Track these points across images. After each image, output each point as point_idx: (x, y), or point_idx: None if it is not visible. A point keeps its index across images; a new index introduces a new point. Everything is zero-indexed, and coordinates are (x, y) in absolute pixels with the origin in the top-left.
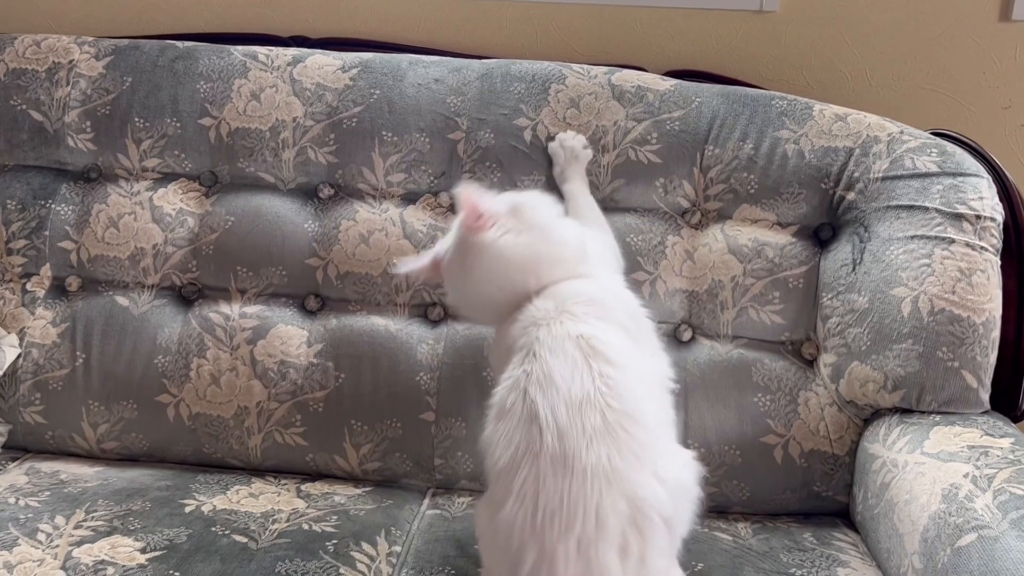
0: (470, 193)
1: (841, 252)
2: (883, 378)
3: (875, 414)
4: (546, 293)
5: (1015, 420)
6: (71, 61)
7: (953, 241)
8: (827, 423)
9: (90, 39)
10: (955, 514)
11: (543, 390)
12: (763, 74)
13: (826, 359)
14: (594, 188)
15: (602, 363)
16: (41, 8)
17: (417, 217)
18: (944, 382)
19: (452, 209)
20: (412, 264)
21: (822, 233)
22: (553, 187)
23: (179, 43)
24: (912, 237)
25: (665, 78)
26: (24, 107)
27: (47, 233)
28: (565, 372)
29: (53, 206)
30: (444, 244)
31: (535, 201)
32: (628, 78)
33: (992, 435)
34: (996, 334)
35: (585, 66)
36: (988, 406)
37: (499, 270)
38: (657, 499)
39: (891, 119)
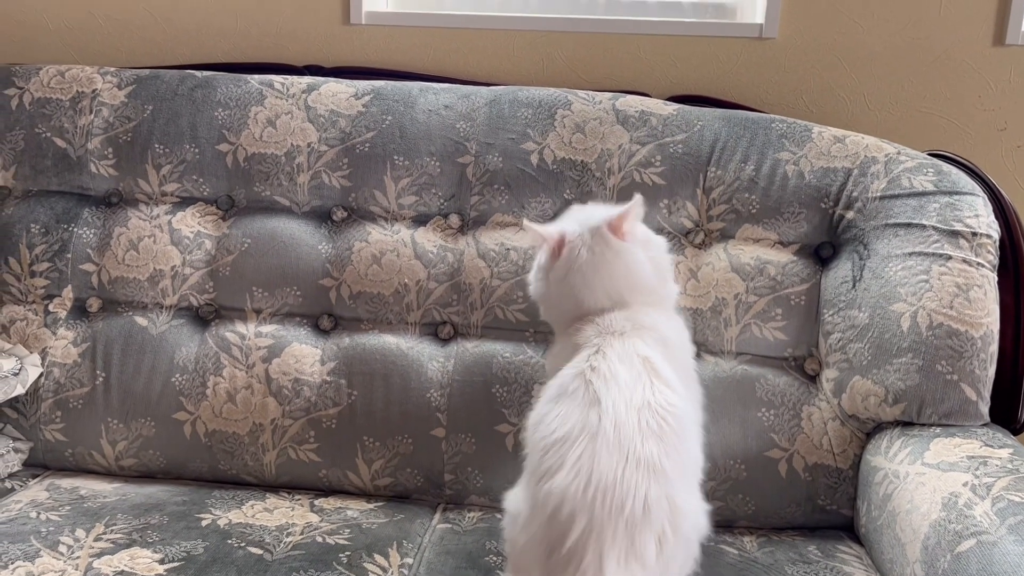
0: (636, 205)
1: (841, 269)
2: (884, 392)
3: (877, 427)
4: (630, 310)
5: (1014, 432)
6: (94, 90)
7: (950, 257)
8: (830, 437)
9: (112, 69)
10: (955, 521)
11: (607, 384)
12: (763, 98)
13: (828, 374)
14: None
15: (662, 385)
16: (66, 41)
17: (427, 238)
18: (944, 395)
19: (461, 230)
20: (541, 229)
21: (823, 251)
22: (557, 211)
23: (198, 72)
24: (910, 254)
25: (668, 103)
26: (48, 135)
27: (69, 256)
28: (629, 378)
29: (75, 230)
30: (571, 228)
31: (661, 242)
32: (632, 103)
33: (991, 446)
34: (994, 348)
35: (590, 92)
36: (988, 418)
37: (618, 273)
38: (689, 512)
39: (888, 140)
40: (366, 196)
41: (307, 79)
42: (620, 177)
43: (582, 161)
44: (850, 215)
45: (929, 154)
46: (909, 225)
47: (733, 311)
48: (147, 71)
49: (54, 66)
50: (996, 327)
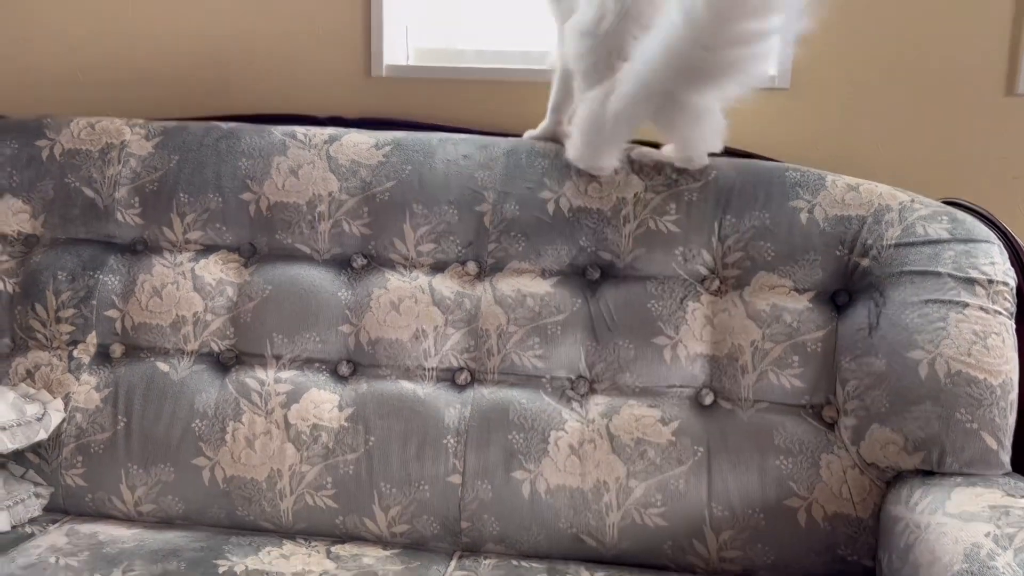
0: None
1: (858, 317)
2: (903, 440)
3: (897, 476)
4: None
5: None
6: (123, 142)
7: (967, 305)
8: (849, 486)
9: (141, 121)
10: (977, 573)
11: None
12: (776, 148)
13: (846, 422)
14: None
15: None
16: (96, 94)
17: (445, 285)
18: (964, 444)
19: (479, 276)
20: None
21: (839, 299)
22: (581, 264)
23: (223, 124)
24: (927, 301)
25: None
26: (78, 184)
27: (94, 302)
28: None
29: (101, 276)
30: None
31: None
32: (647, 153)
33: (1013, 495)
34: (1014, 396)
35: None
36: (1009, 467)
37: None
38: None
39: (902, 189)
40: (385, 244)
41: (329, 130)
42: (636, 225)
43: (598, 209)
44: (865, 263)
45: (943, 202)
46: (925, 273)
47: (750, 358)
48: (174, 123)
49: (84, 118)
50: (1015, 375)
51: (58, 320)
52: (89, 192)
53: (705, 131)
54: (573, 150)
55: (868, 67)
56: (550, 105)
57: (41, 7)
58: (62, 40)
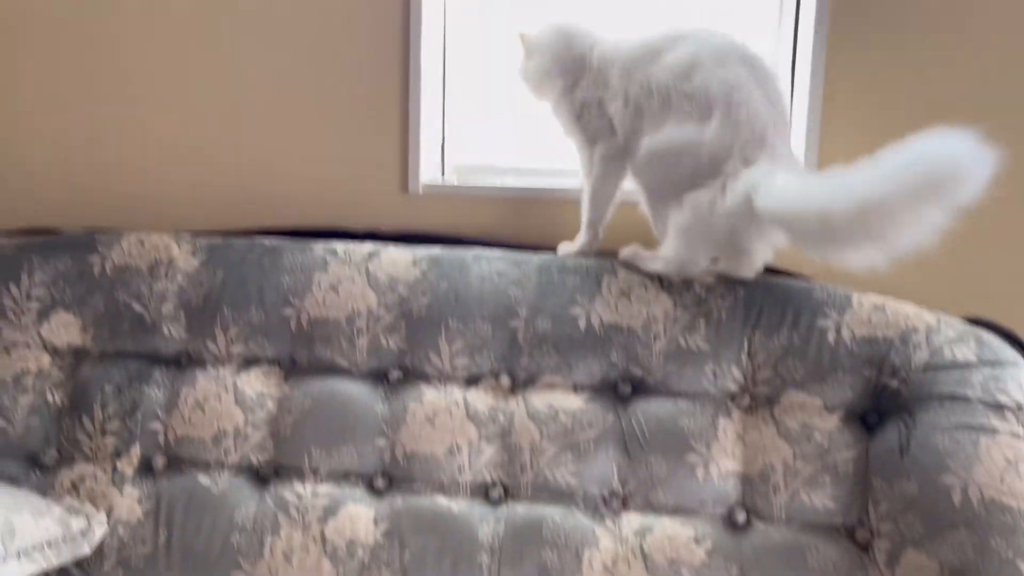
0: None
1: (888, 438)
2: (939, 567)
3: None
4: None
5: None
6: (171, 258)
7: (997, 431)
8: None
9: (188, 237)
10: None
11: None
12: (802, 265)
13: (880, 544)
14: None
15: None
16: (147, 208)
17: (479, 399)
18: (1000, 572)
19: (512, 391)
20: None
21: (869, 419)
22: (612, 380)
23: (266, 240)
24: (957, 426)
25: (710, 270)
26: (127, 299)
27: (139, 415)
28: None
29: (146, 389)
30: None
31: None
32: (642, 256)
33: None
34: None
35: None
36: None
37: None
38: None
39: (928, 308)
40: (421, 358)
41: (368, 246)
42: (666, 342)
43: (628, 326)
44: (894, 384)
45: (968, 319)
46: (954, 397)
47: (781, 477)
48: (220, 239)
49: (135, 234)
50: None
51: (104, 432)
52: (137, 306)
53: (768, 253)
54: (668, 254)
55: None
56: (585, 221)
57: (95, 125)
58: (115, 155)
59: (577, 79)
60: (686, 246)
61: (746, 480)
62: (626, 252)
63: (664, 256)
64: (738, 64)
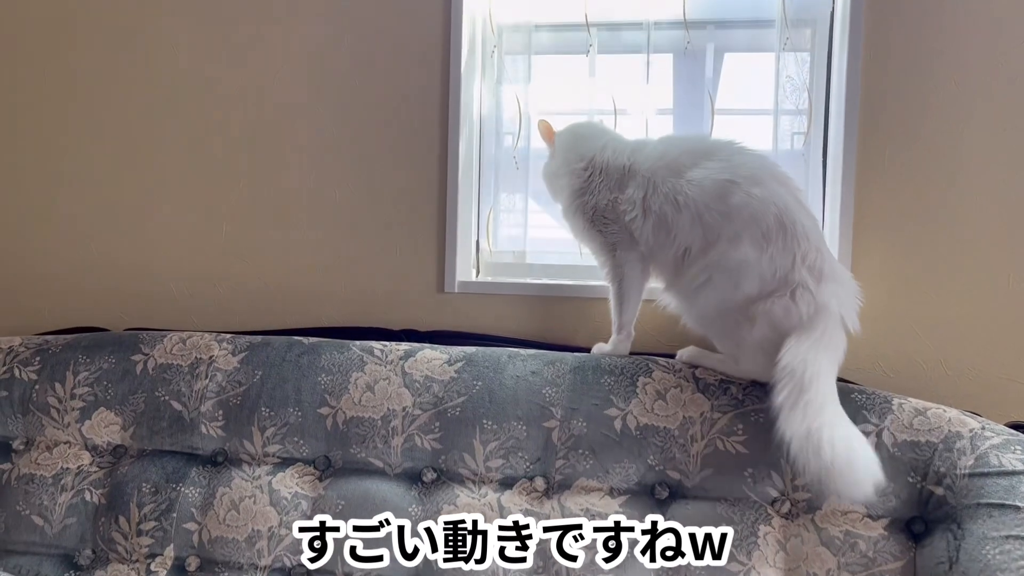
0: None
1: (936, 548)
2: None
3: None
4: None
5: None
6: (211, 357)
7: None
8: None
9: (228, 336)
10: None
11: None
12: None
13: None
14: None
15: None
16: (188, 305)
17: (514, 502)
18: None
19: (547, 493)
20: None
21: (915, 527)
22: (649, 483)
23: (305, 340)
24: (1007, 537)
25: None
26: (167, 398)
27: (175, 515)
28: None
29: (182, 489)
30: None
31: None
32: (704, 355)
33: None
34: None
35: (670, 360)
36: None
37: None
38: None
39: (970, 411)
40: (455, 458)
41: (404, 346)
42: (703, 444)
43: (664, 427)
44: (940, 491)
45: (1011, 425)
46: (1003, 506)
47: None
48: (259, 338)
49: (177, 333)
50: None
51: (139, 533)
52: (177, 405)
53: None
54: (751, 368)
55: (928, 288)
56: (616, 323)
57: (142, 229)
58: (163, 257)
59: (588, 182)
60: (765, 359)
61: None
62: (686, 354)
63: (745, 370)
64: (772, 182)
